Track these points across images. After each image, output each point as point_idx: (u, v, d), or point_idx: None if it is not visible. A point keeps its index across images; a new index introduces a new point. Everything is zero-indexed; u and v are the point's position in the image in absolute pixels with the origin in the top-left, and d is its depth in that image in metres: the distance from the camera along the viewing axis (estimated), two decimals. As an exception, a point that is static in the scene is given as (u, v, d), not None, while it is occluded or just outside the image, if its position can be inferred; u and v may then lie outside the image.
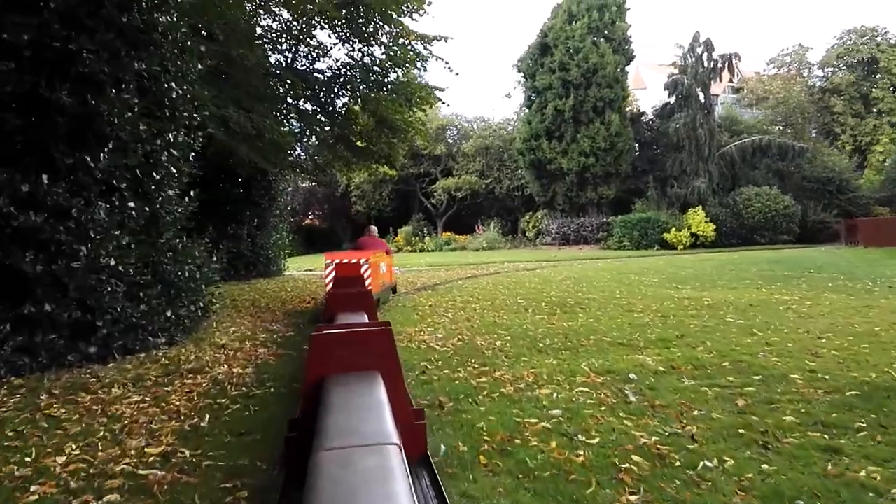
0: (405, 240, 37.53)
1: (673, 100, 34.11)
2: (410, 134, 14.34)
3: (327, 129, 15.42)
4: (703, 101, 32.26)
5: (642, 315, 9.48)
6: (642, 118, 36.66)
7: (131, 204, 6.52)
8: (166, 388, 5.22)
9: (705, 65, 32.42)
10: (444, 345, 7.17)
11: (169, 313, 7.16)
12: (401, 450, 2.22)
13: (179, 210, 8.09)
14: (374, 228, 13.67)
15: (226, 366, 6.13)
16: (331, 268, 9.77)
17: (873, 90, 48.43)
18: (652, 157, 35.14)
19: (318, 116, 15.07)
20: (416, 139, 15.04)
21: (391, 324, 3.96)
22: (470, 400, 4.83)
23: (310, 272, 23.92)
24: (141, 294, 6.90)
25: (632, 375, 5.45)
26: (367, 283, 9.34)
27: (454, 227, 39.77)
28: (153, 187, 7.01)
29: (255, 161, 13.09)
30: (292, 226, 41.08)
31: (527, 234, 36.97)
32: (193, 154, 8.30)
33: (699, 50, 32.94)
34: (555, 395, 4.89)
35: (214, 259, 9.43)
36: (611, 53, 31.87)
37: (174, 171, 7.53)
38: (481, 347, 6.95)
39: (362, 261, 9.72)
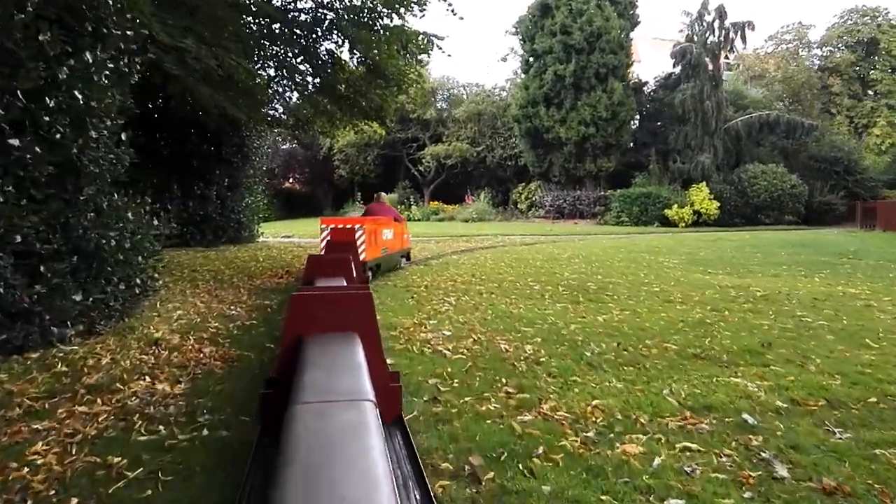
0: (390, 208, 35.61)
1: (678, 70, 32.17)
2: (405, 85, 12.30)
3: (308, 78, 13.39)
4: (711, 71, 30.33)
5: (687, 308, 7.77)
6: (644, 88, 34.61)
7: (16, 142, 4.55)
8: (37, 426, 3.34)
9: (716, 33, 30.41)
10: (457, 348, 5.35)
11: (79, 296, 5.24)
12: (376, 406, 2.20)
13: (110, 158, 6.14)
14: (384, 195, 13.31)
15: (148, 378, 4.27)
16: (326, 232, 9.79)
17: (871, 71, 46.93)
18: (653, 130, 33.22)
19: (298, 63, 13.02)
20: (411, 91, 12.91)
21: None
22: (519, 465, 3.02)
23: (287, 239, 21.96)
24: (42, 268, 4.99)
25: (746, 417, 3.67)
26: (360, 249, 9.36)
27: (442, 196, 37.78)
28: (56, 122, 5.03)
29: (222, 107, 11.07)
30: (270, 189, 38.86)
31: (519, 206, 35.06)
32: (112, 77, 6.24)
33: (708, 17, 30.97)
34: (654, 459, 3.08)
35: (157, 223, 7.41)
36: (616, 17, 29.80)
37: (95, 105, 5.55)
38: (508, 356, 5.14)
39: (357, 227, 9.60)
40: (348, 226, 9.71)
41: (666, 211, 28.95)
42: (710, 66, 30.38)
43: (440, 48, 12.36)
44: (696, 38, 31.18)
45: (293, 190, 42.86)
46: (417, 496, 2.58)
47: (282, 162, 39.75)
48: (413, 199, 36.60)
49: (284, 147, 39.75)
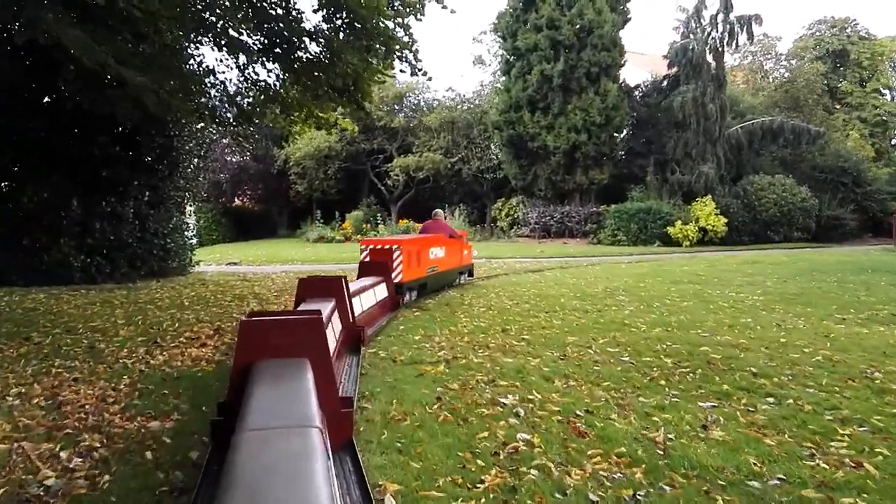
0: (354, 227, 31.37)
1: (674, 70, 28.95)
2: (395, 46, 8.38)
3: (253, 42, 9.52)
4: (715, 70, 27.17)
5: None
6: (635, 92, 31.22)
7: None
8: None
9: (719, 27, 27.24)
10: None
11: None
12: (322, 433, 2.19)
13: None
14: (440, 212, 12.97)
15: None
16: (365, 253, 9.70)
17: (840, 84, 45.20)
18: (648, 138, 29.80)
19: (239, 27, 9.15)
20: (406, 54, 8.83)
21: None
22: None
23: (232, 268, 17.84)
24: None
25: None
26: (396, 269, 9.17)
27: (410, 214, 33.69)
28: None
29: (113, 72, 7.14)
30: (219, 207, 34.41)
31: (499, 224, 31.25)
32: None
33: (706, 11, 27.86)
34: None
35: None
36: (608, 10, 26.46)
37: None
38: None
39: (394, 247, 9.30)
40: (386, 246, 9.46)
41: (668, 228, 25.57)
42: (713, 65, 27.22)
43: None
44: (691, 36, 28.02)
45: (244, 209, 38.42)
46: None
47: (231, 177, 35.32)
48: (381, 217, 32.51)
49: (234, 160, 35.41)
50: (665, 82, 29.95)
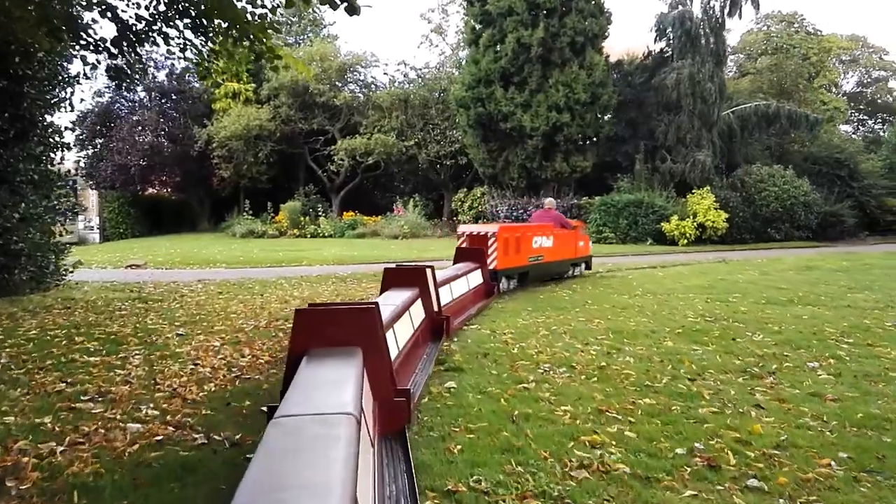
0: (290, 220, 26.65)
1: (660, 46, 25.56)
2: None
3: None
4: (714, 45, 23.75)
5: None
6: (615, 71, 27.48)
7: None
8: None
9: (722, -6, 23.64)
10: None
11: None
12: (358, 421, 2.12)
13: None
14: (551, 201, 13.08)
15: None
16: (463, 239, 9.81)
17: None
18: (633, 122, 26.15)
19: None
20: None
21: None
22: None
23: (133, 273, 13.09)
24: None
25: None
26: (491, 256, 9.25)
27: (356, 205, 29.12)
28: None
29: None
30: (127, 196, 29.03)
31: (460, 218, 26.96)
32: None
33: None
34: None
35: None
36: (593, -28, 22.70)
37: None
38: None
39: (490, 234, 9.35)
40: (483, 232, 9.50)
41: (662, 224, 22.02)
42: (713, 39, 23.78)
43: None
44: (681, 7, 24.50)
45: (160, 197, 32.95)
46: None
47: (142, 159, 29.69)
48: (321, 209, 27.80)
49: (144, 140, 29.87)
50: (649, 59, 26.41)
